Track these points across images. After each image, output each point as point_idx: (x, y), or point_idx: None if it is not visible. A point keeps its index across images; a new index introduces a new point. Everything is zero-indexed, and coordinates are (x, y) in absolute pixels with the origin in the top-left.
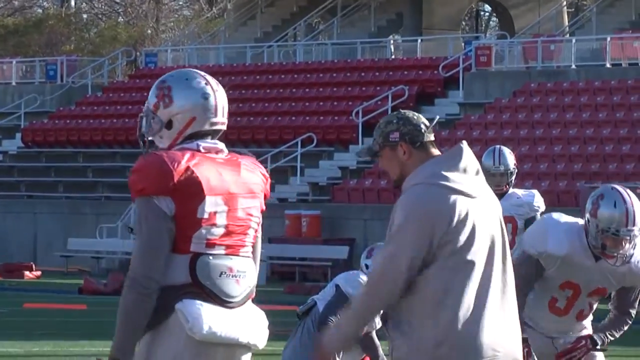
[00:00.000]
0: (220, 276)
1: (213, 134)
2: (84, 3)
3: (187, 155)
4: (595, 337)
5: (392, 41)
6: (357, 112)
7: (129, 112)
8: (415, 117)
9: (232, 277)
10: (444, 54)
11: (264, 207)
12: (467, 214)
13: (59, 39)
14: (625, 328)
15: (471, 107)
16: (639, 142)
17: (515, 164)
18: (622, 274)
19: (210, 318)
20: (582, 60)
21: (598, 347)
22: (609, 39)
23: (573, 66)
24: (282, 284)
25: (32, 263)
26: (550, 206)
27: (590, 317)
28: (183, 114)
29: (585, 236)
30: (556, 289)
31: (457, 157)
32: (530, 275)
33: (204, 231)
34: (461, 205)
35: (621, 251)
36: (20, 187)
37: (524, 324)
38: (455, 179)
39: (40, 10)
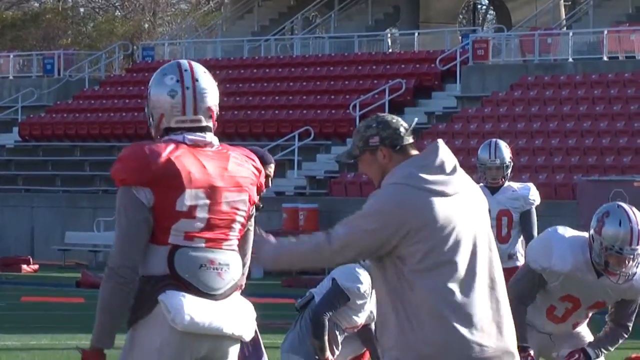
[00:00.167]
0: (200, 268)
1: (199, 128)
2: None
3: (170, 147)
4: (589, 350)
5: (389, 35)
6: (355, 106)
7: (126, 105)
8: (394, 121)
9: (214, 269)
10: (441, 48)
11: (256, 200)
12: (441, 214)
13: (56, 33)
14: (620, 341)
15: (468, 100)
16: (636, 135)
17: (511, 157)
18: (623, 290)
19: (192, 309)
20: (579, 54)
21: None
22: (606, 32)
23: (570, 59)
24: (279, 278)
25: (29, 257)
26: (548, 199)
27: (585, 325)
28: (155, 109)
29: (589, 252)
30: (556, 300)
31: (432, 156)
32: (531, 289)
33: (182, 224)
34: (435, 206)
35: (624, 269)
36: (17, 181)
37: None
38: (429, 179)
39: (37, 4)
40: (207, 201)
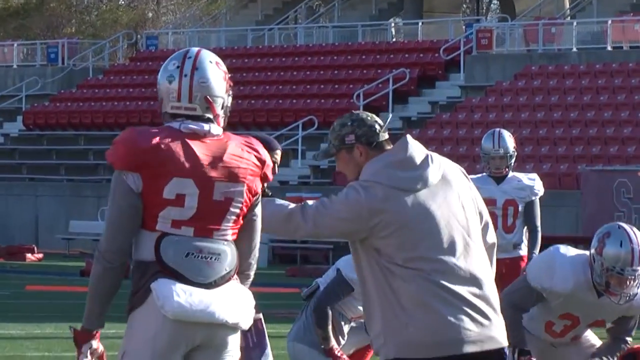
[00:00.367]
0: (186, 257)
1: (197, 117)
2: None
3: (162, 134)
4: None
5: (393, 24)
6: (358, 95)
7: (130, 94)
8: (369, 118)
9: (202, 258)
10: (445, 37)
11: (259, 190)
12: (409, 210)
13: (60, 22)
14: (623, 350)
15: (472, 90)
16: None
17: (514, 147)
18: (623, 309)
19: (182, 297)
20: (583, 43)
21: None
22: (610, 21)
23: (574, 49)
24: (283, 267)
25: (33, 245)
26: (552, 189)
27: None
28: (158, 93)
29: (590, 272)
30: (555, 317)
31: (401, 152)
32: (527, 302)
33: (170, 211)
34: (402, 202)
35: (625, 290)
36: (21, 170)
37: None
38: (396, 175)
39: None
40: (197, 190)
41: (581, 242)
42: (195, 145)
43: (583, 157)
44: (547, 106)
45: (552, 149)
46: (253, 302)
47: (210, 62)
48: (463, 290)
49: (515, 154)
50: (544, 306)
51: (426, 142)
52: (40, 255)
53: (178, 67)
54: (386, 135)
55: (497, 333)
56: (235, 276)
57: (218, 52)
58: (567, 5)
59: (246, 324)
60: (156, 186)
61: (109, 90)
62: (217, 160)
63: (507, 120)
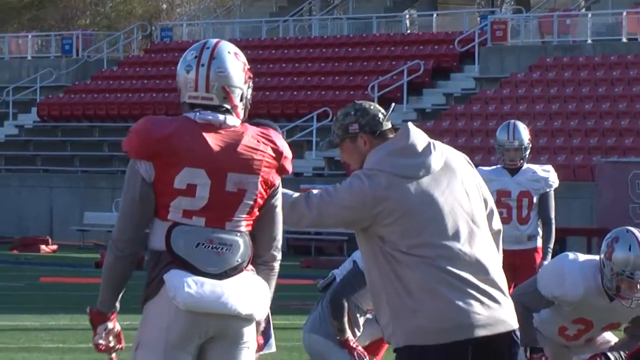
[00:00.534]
0: (196, 247)
1: (213, 107)
2: None
3: (176, 123)
4: (610, 355)
5: (407, 16)
6: (373, 87)
7: (145, 86)
8: (372, 107)
9: (213, 248)
10: (459, 29)
11: (276, 182)
12: (411, 197)
13: (75, 13)
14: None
15: (487, 81)
16: None
17: (529, 139)
18: (637, 310)
19: (193, 288)
20: (598, 35)
21: None
22: (625, 13)
23: (589, 41)
24: (297, 258)
25: (48, 237)
26: (567, 181)
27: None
28: (177, 83)
29: (600, 277)
30: (568, 322)
31: (403, 140)
32: (537, 305)
33: (181, 201)
34: (404, 189)
35: (636, 293)
36: (36, 161)
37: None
38: (399, 163)
39: None
40: (209, 181)
41: (596, 234)
42: (208, 135)
43: (598, 148)
44: (562, 98)
45: (566, 140)
46: (269, 294)
47: (229, 52)
48: (469, 275)
49: (530, 145)
50: (557, 312)
51: (440, 134)
52: (55, 247)
53: (196, 57)
54: (389, 124)
55: (507, 316)
56: (250, 267)
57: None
58: None
59: (260, 315)
60: (167, 175)
61: (123, 82)
62: (230, 150)
63: (522, 112)
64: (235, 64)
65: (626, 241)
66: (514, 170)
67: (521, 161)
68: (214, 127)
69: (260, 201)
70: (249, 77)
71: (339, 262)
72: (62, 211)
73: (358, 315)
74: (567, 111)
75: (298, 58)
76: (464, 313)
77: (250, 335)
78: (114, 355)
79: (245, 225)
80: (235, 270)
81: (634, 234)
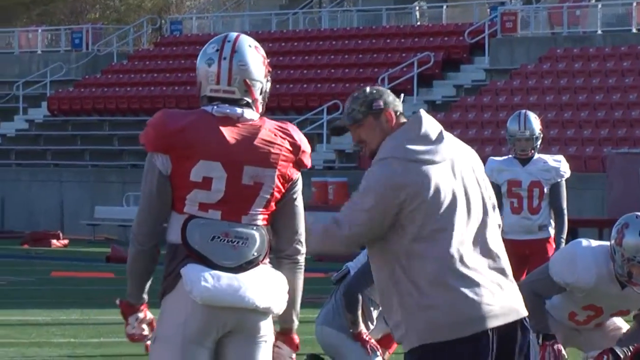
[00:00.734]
0: (212, 240)
1: (233, 100)
2: None
3: (192, 116)
4: (617, 350)
5: (417, 7)
6: (383, 79)
7: (155, 80)
8: (388, 90)
9: (228, 242)
10: (469, 20)
11: (293, 176)
12: (431, 181)
13: (84, 7)
14: None
15: (497, 73)
16: None
17: (540, 129)
18: None
19: (210, 282)
20: (608, 26)
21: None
22: (634, 4)
23: (599, 31)
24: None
25: (59, 231)
26: (577, 172)
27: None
28: (197, 77)
29: (612, 263)
30: (578, 308)
31: (416, 127)
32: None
33: (197, 194)
34: (424, 174)
35: None
36: (46, 156)
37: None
38: (415, 149)
39: None
40: (225, 174)
41: (607, 224)
42: (225, 128)
43: (609, 139)
44: (572, 89)
45: (577, 131)
46: (286, 287)
47: (250, 46)
48: (481, 263)
49: (541, 136)
50: (567, 298)
51: (451, 126)
52: (66, 242)
53: (217, 50)
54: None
55: (517, 304)
56: (267, 261)
57: None
58: None
59: (278, 308)
60: (183, 168)
61: (133, 76)
62: (247, 144)
63: (532, 103)
64: (256, 58)
65: (636, 227)
66: (525, 161)
67: (532, 151)
68: (232, 121)
69: (277, 195)
70: (268, 71)
71: (352, 255)
72: (72, 205)
73: (372, 308)
74: (578, 102)
75: (308, 50)
76: (477, 305)
77: (267, 328)
78: (148, 342)
79: (262, 219)
80: (251, 263)
81: None
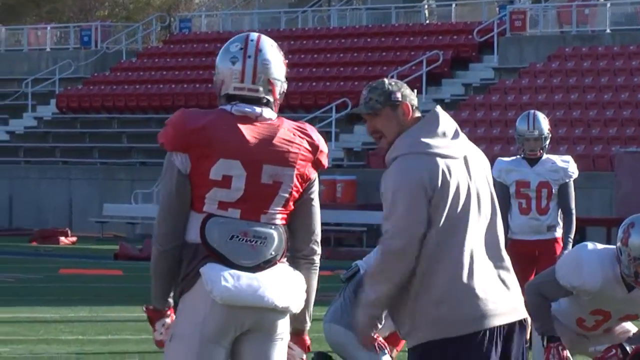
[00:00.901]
0: (231, 239)
1: (253, 99)
2: None
3: (211, 115)
4: (626, 346)
5: (426, 6)
6: (392, 77)
7: (164, 77)
8: (405, 85)
9: (247, 241)
10: (478, 19)
11: (311, 177)
12: (450, 176)
13: (93, 5)
14: None
15: (506, 71)
16: None
17: (549, 129)
18: None
19: (230, 281)
20: (617, 25)
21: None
22: None
23: (608, 30)
24: None
25: (67, 229)
26: (586, 171)
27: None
28: (219, 75)
29: (618, 266)
30: (586, 314)
31: (434, 123)
32: (555, 295)
33: (216, 193)
34: (444, 168)
35: None
36: (55, 153)
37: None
38: (434, 143)
39: None
40: (244, 172)
41: (615, 223)
42: (244, 127)
43: (617, 138)
44: (581, 88)
45: (586, 130)
46: (304, 286)
47: (272, 45)
48: (489, 263)
49: (550, 135)
50: (575, 303)
51: (460, 124)
52: (74, 239)
53: (241, 48)
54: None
55: (519, 304)
56: (284, 260)
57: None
58: None
59: (296, 307)
60: (203, 167)
61: (142, 73)
62: (266, 143)
63: (541, 102)
64: (278, 57)
65: None
66: (533, 161)
67: (541, 151)
68: (250, 120)
69: (295, 194)
70: (287, 71)
71: (359, 253)
72: (81, 203)
73: None
74: (586, 101)
75: (317, 49)
76: (485, 303)
77: (284, 327)
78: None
79: (280, 219)
80: (269, 263)
81: None
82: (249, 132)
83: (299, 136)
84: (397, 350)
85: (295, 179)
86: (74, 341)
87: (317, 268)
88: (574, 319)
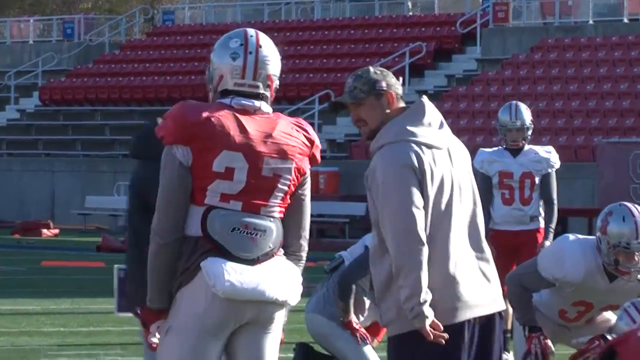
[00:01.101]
0: (232, 231)
1: (252, 95)
2: None
3: (212, 108)
4: (609, 337)
5: None
6: None
7: (146, 70)
8: (391, 74)
9: (247, 234)
10: (461, 10)
11: (307, 171)
12: (435, 165)
13: None
14: None
15: (489, 63)
16: None
17: (531, 120)
18: (636, 291)
19: (232, 276)
20: (599, 16)
21: None
22: None
23: (590, 21)
24: None
25: (49, 221)
26: (568, 161)
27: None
28: (216, 70)
29: (599, 255)
30: (568, 305)
31: (421, 113)
32: (536, 286)
33: (219, 185)
34: (429, 157)
35: (635, 265)
36: (38, 145)
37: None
38: (420, 133)
39: None
40: (246, 164)
41: (597, 214)
42: (245, 120)
43: (599, 129)
44: (564, 79)
45: (568, 121)
46: (300, 278)
47: (269, 41)
48: (471, 254)
49: (532, 126)
50: (557, 295)
51: (443, 115)
52: (57, 231)
53: (242, 44)
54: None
55: (498, 295)
56: (280, 252)
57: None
58: None
59: (294, 300)
60: (206, 159)
61: (125, 66)
62: (266, 136)
63: (524, 93)
64: (276, 54)
65: (619, 213)
66: (515, 151)
67: (523, 142)
68: (249, 113)
69: (292, 188)
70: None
71: (341, 244)
72: (63, 195)
73: (365, 298)
74: (569, 92)
75: (300, 41)
76: (466, 294)
77: (279, 319)
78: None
79: (278, 212)
80: (267, 256)
81: (627, 206)
82: (250, 124)
83: (296, 130)
84: (377, 340)
85: (293, 173)
86: (56, 333)
87: (303, 264)
88: (556, 311)
